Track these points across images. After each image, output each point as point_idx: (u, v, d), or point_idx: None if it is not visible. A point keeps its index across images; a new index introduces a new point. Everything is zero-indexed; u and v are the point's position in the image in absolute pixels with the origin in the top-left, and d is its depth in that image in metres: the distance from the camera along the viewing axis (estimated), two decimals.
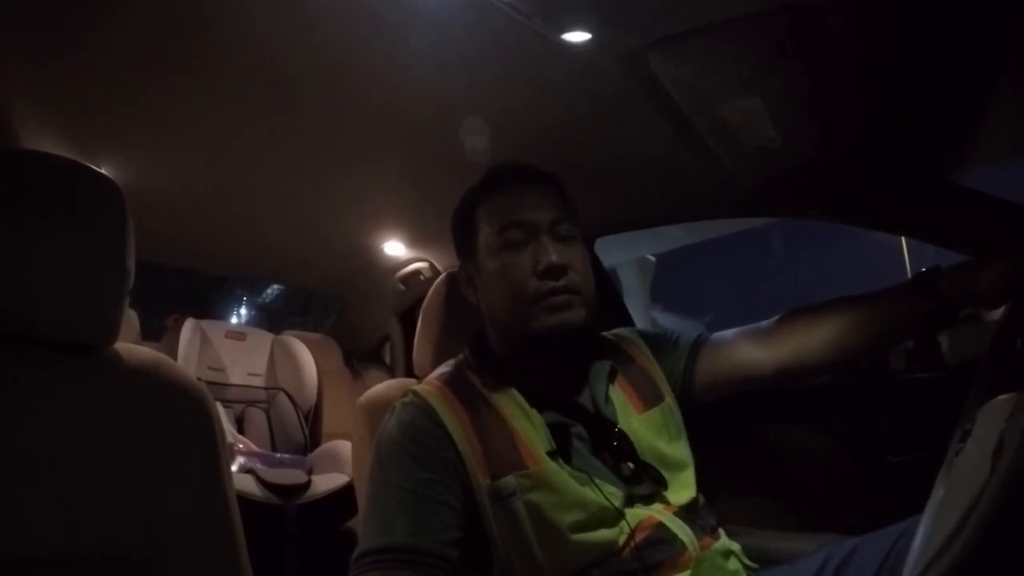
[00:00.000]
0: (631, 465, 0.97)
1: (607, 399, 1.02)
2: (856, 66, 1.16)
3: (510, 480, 0.91)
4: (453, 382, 1.03)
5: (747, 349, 1.08)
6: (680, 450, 1.03)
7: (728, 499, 1.21)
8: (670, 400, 1.08)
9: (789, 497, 1.45)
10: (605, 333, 1.18)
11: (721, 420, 1.20)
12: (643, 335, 1.17)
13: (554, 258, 0.98)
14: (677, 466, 1.01)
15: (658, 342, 1.14)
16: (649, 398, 1.06)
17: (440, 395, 0.99)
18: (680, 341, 1.14)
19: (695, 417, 1.11)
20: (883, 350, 1.06)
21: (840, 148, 1.38)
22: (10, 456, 0.81)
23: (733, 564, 0.97)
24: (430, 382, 1.04)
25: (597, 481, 0.92)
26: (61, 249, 0.86)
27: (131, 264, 0.93)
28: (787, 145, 1.33)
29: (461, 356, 1.09)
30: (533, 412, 0.97)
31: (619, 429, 0.98)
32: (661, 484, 0.97)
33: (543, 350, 1.03)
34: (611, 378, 1.05)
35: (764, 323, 1.11)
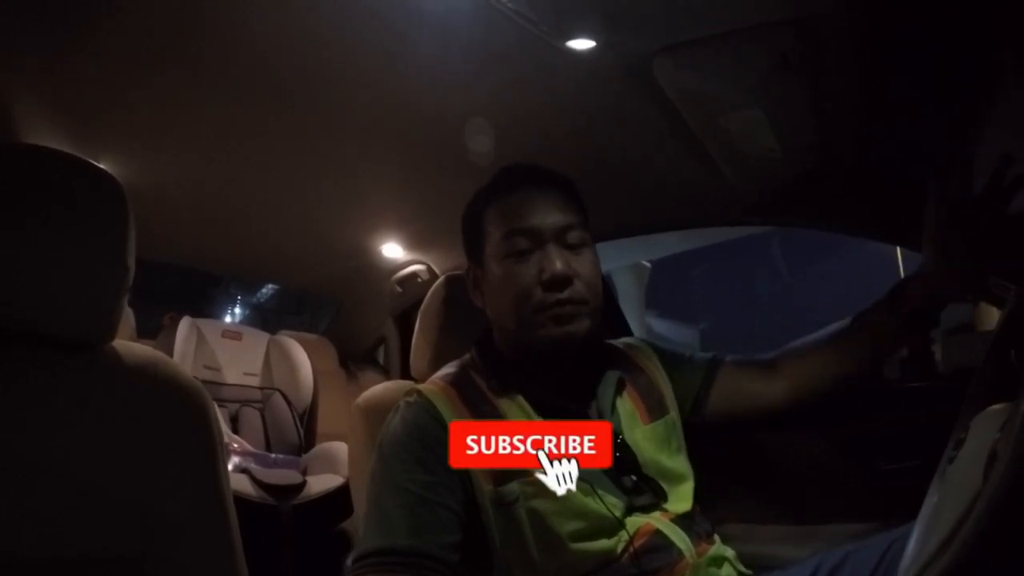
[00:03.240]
0: (633, 478, 0.97)
1: (613, 409, 1.02)
2: (858, 78, 1.17)
3: (514, 487, 0.91)
4: (458, 383, 1.01)
5: (759, 380, 1.11)
6: (681, 464, 1.04)
7: (723, 505, 1.21)
8: (674, 414, 1.08)
9: (783, 503, 1.45)
10: (615, 341, 1.17)
11: (717, 426, 1.21)
12: (655, 348, 1.16)
13: (559, 268, 0.96)
14: (677, 479, 1.01)
15: (672, 358, 1.15)
16: (654, 410, 1.06)
17: (444, 395, 0.98)
18: (695, 360, 1.14)
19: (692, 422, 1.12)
20: (880, 365, 1.10)
21: (841, 159, 1.39)
22: (8, 458, 0.81)
23: (727, 570, 0.98)
24: (434, 382, 1.03)
25: (599, 492, 0.92)
26: (61, 245, 0.86)
27: (131, 261, 0.93)
28: (788, 155, 1.34)
29: (467, 356, 1.08)
30: (538, 420, 0.97)
31: (623, 440, 0.98)
32: (661, 497, 0.97)
33: (548, 358, 1.02)
34: (619, 388, 1.04)
35: (771, 356, 1.13)
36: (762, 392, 1.10)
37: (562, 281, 0.96)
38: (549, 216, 0.99)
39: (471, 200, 1.08)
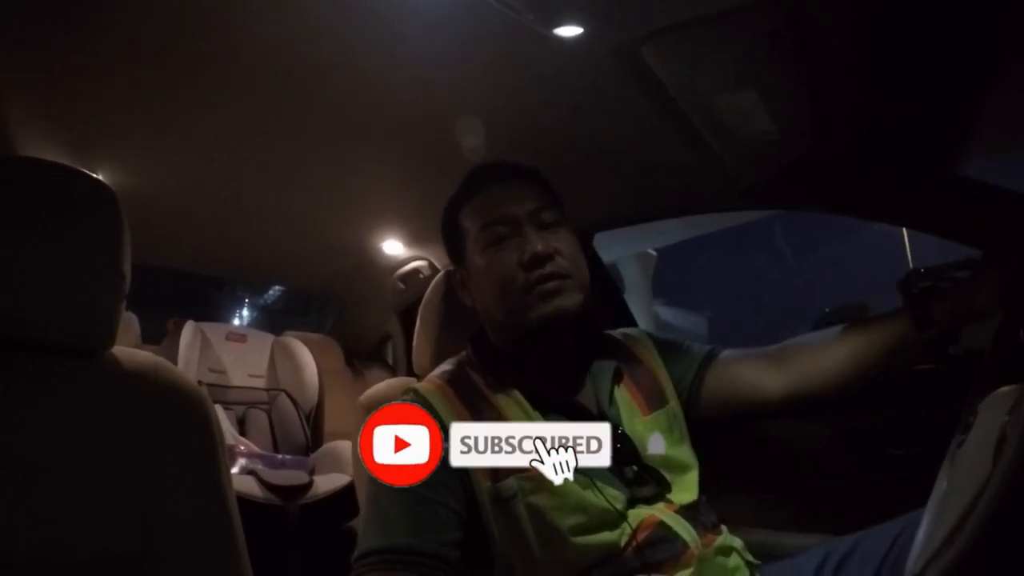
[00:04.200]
0: (635, 468, 0.96)
1: (611, 400, 1.01)
2: (853, 56, 1.15)
3: (511, 483, 0.91)
4: (454, 380, 1.02)
5: (755, 373, 1.09)
6: (683, 453, 1.03)
7: (730, 494, 1.20)
8: (674, 404, 1.07)
9: (791, 491, 1.44)
10: (613, 332, 1.17)
11: (712, 419, 1.20)
12: (653, 338, 1.16)
13: (539, 247, 0.97)
14: (680, 469, 1.00)
15: (669, 347, 1.14)
16: (654, 400, 1.05)
17: (440, 393, 0.98)
18: (692, 350, 1.14)
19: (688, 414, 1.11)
20: (886, 377, 1.06)
21: (838, 139, 1.37)
22: (9, 460, 0.81)
23: (735, 560, 0.97)
24: (431, 380, 1.03)
25: (599, 484, 0.92)
26: (57, 254, 0.87)
27: (127, 268, 0.94)
28: (784, 137, 1.32)
29: (463, 354, 1.08)
30: (535, 414, 0.96)
31: (622, 431, 0.97)
32: (665, 487, 0.96)
33: (542, 342, 1.02)
34: (616, 379, 1.04)
35: (772, 349, 1.11)
36: (758, 386, 1.08)
37: (543, 258, 0.97)
38: (521, 202, 1.02)
39: (446, 205, 1.11)
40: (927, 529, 0.68)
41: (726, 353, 1.13)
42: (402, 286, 2.47)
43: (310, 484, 2.19)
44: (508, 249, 0.99)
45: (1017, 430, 0.57)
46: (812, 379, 1.05)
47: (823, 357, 1.05)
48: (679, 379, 1.10)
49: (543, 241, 0.98)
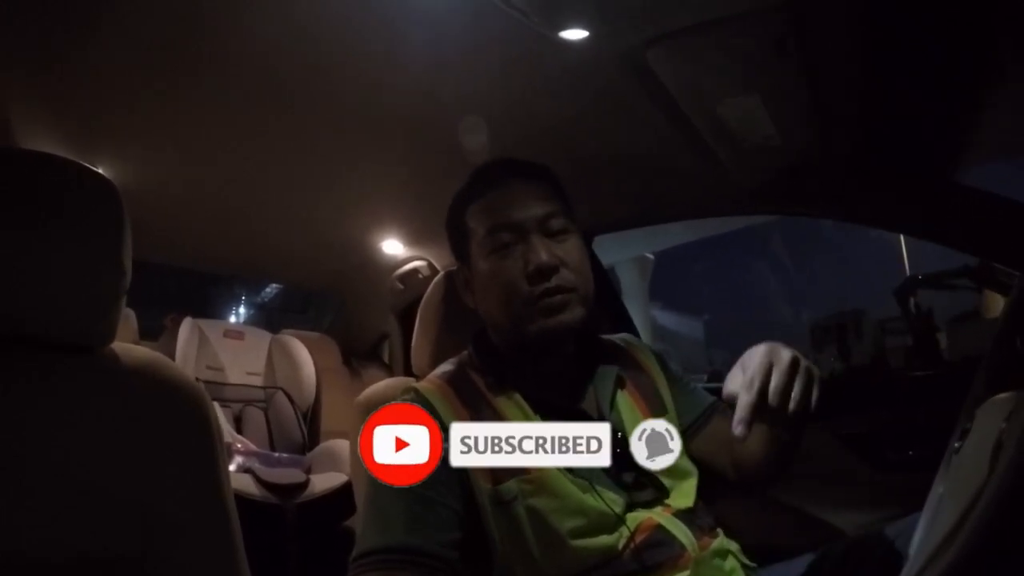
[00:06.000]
0: (634, 473, 0.95)
1: (612, 405, 1.01)
2: (856, 63, 1.16)
3: (511, 485, 0.90)
4: (455, 381, 1.01)
5: (729, 451, 1.06)
6: (683, 460, 1.01)
7: (727, 497, 1.20)
8: (674, 414, 1.06)
9: (788, 495, 1.44)
10: (614, 338, 1.16)
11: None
12: (659, 358, 1.15)
13: (544, 258, 0.95)
14: (680, 476, 0.99)
15: (675, 376, 1.13)
16: (655, 407, 1.04)
17: (440, 393, 0.98)
18: (698, 392, 1.12)
19: None
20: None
21: (840, 145, 1.38)
22: (9, 460, 0.80)
23: (731, 563, 0.97)
24: (431, 379, 1.03)
25: (598, 488, 0.91)
26: (57, 249, 0.85)
27: (128, 263, 0.92)
28: (786, 142, 1.33)
29: (464, 354, 1.07)
30: (535, 418, 0.96)
31: (622, 436, 0.96)
32: (663, 492, 0.96)
33: (543, 352, 1.01)
34: (618, 384, 1.03)
35: None
36: (725, 462, 1.06)
37: (547, 271, 0.95)
38: (529, 208, 0.99)
39: (452, 200, 1.08)
40: (923, 534, 0.68)
41: (724, 413, 1.08)
42: (401, 286, 2.47)
43: (307, 483, 2.19)
44: (513, 258, 0.97)
45: (1014, 437, 0.57)
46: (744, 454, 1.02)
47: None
48: (680, 412, 1.08)
49: (549, 251, 0.96)
